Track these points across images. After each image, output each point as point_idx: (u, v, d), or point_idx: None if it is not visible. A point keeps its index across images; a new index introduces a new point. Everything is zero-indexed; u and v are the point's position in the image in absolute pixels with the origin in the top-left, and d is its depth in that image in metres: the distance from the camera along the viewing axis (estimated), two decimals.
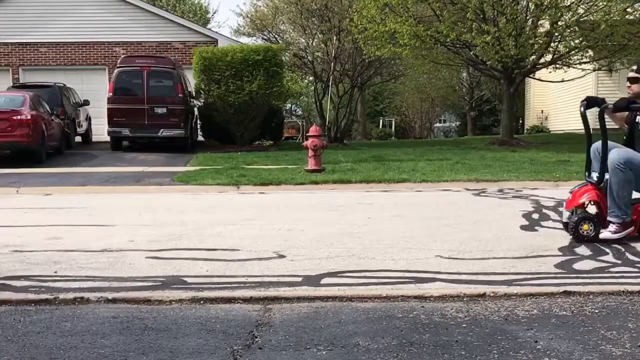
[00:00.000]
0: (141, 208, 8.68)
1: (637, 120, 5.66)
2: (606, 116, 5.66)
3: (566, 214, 5.78)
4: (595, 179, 5.66)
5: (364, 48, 20.53)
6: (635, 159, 5.54)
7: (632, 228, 5.58)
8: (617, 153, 5.53)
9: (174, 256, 5.27)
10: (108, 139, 18.77)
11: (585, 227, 5.55)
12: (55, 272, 4.73)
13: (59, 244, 5.86)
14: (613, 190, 5.49)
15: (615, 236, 5.50)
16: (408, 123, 44.61)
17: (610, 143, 5.61)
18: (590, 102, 5.70)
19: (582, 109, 5.75)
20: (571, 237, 5.61)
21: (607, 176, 5.55)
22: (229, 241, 5.89)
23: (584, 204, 5.71)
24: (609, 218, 5.55)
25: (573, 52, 18.57)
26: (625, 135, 5.86)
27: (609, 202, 5.55)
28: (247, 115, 18.82)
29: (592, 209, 5.76)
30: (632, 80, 5.76)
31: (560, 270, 4.64)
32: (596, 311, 3.63)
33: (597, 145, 5.69)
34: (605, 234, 5.52)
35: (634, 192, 5.70)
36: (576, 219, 5.59)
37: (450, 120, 51.13)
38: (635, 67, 5.85)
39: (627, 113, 5.71)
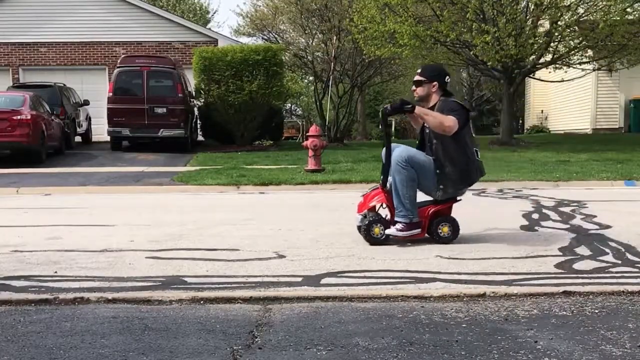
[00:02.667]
0: (141, 208, 8.68)
1: (425, 124, 5.64)
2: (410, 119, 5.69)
3: (359, 217, 5.73)
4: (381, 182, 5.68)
5: (363, 48, 20.51)
6: (417, 157, 5.54)
7: (419, 230, 5.58)
8: (399, 151, 5.53)
9: (174, 256, 5.27)
10: (108, 139, 18.78)
11: (377, 230, 5.55)
12: (55, 272, 4.73)
13: (58, 244, 5.86)
14: (398, 190, 5.49)
15: (401, 234, 5.50)
16: (408, 123, 44.58)
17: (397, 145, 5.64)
18: (394, 107, 5.60)
19: (384, 113, 5.70)
20: (366, 241, 5.58)
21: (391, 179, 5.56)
22: (229, 241, 5.89)
23: (374, 207, 5.70)
24: (395, 217, 5.55)
25: (573, 52, 18.56)
26: (417, 139, 5.88)
27: (395, 202, 5.53)
28: (247, 115, 18.82)
29: (383, 212, 5.74)
30: (417, 84, 5.71)
31: (560, 270, 4.63)
32: (596, 311, 3.63)
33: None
34: (391, 230, 5.51)
35: (424, 196, 5.72)
36: (367, 222, 5.57)
37: None
38: (419, 71, 5.82)
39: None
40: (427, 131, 5.64)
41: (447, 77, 5.77)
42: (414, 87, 5.78)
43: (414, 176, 5.48)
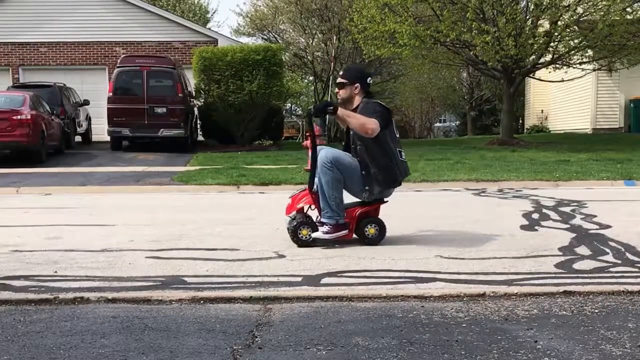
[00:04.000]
0: (141, 208, 8.68)
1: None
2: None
3: (287, 219, 5.71)
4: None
5: (363, 48, 20.52)
6: (343, 158, 5.53)
7: (346, 231, 5.56)
8: (325, 153, 5.51)
9: (173, 256, 5.27)
10: (108, 138, 18.78)
11: (304, 232, 5.53)
12: (55, 271, 4.73)
13: (58, 244, 5.86)
14: (324, 191, 5.46)
15: (327, 237, 5.47)
16: (408, 123, 44.63)
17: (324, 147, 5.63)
18: (317, 109, 5.58)
19: (308, 115, 5.69)
20: (294, 242, 5.55)
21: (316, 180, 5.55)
22: (229, 241, 5.89)
23: (302, 208, 5.69)
24: (322, 219, 5.53)
25: (573, 52, 18.57)
26: (344, 141, 5.87)
27: (321, 203, 5.52)
28: (247, 115, 18.82)
29: (312, 214, 5.72)
30: (340, 86, 5.70)
31: (560, 270, 4.63)
32: (596, 311, 3.63)
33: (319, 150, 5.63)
34: (317, 233, 5.49)
35: (351, 197, 5.70)
36: (295, 224, 5.55)
37: (450, 120, 51.14)
38: (341, 73, 5.82)
39: None
40: (352, 133, 5.62)
41: (369, 78, 5.76)
42: (336, 89, 5.78)
43: (339, 177, 5.46)
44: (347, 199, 5.73)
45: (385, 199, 5.82)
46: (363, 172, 5.52)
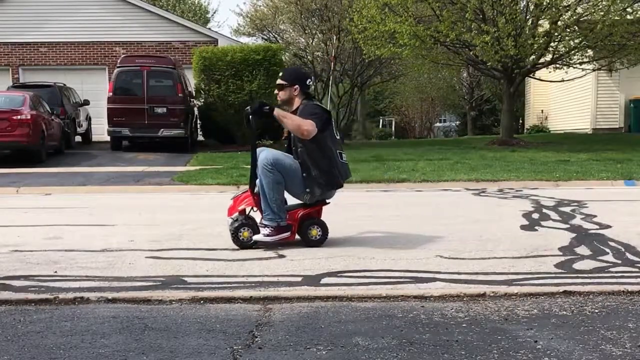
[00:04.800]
0: (141, 208, 8.68)
1: None
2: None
3: (229, 221, 5.66)
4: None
5: (363, 48, 20.51)
6: (283, 160, 5.50)
7: (289, 233, 5.53)
8: (265, 155, 5.48)
9: (173, 256, 5.27)
10: (108, 138, 18.77)
11: (245, 234, 5.49)
12: (55, 271, 4.73)
13: (58, 244, 5.86)
14: (265, 193, 5.43)
15: (268, 239, 5.43)
16: (408, 123, 44.59)
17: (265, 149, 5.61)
18: (253, 110, 5.51)
19: (246, 116, 5.61)
20: (236, 245, 5.51)
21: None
22: (229, 241, 5.88)
23: (244, 210, 5.65)
24: (263, 221, 5.49)
25: (573, 52, 18.56)
26: (286, 143, 5.84)
27: (263, 205, 5.48)
28: None
29: (255, 215, 5.67)
30: (279, 87, 5.67)
31: (560, 270, 4.63)
32: (596, 311, 3.63)
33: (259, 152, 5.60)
34: (258, 236, 5.45)
35: (294, 200, 5.67)
36: (236, 225, 5.52)
37: (450, 120, 51.11)
38: (280, 74, 5.78)
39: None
40: (292, 135, 5.59)
41: (309, 80, 5.73)
42: (276, 91, 5.75)
43: (280, 180, 5.43)
44: (291, 201, 5.70)
45: (328, 200, 5.78)
46: (304, 175, 5.48)
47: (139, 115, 17.76)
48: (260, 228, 5.51)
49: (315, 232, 5.60)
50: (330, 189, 5.66)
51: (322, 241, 5.61)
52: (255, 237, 5.48)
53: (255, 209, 5.65)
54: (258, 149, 5.61)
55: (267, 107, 5.42)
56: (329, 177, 5.54)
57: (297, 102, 5.62)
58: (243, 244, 5.50)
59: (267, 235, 5.45)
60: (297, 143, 5.54)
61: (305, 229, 5.61)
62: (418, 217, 7.47)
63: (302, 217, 5.64)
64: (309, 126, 5.33)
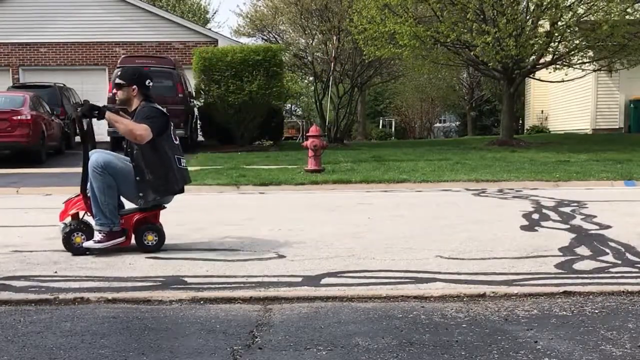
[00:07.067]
0: None
1: None
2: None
3: (61, 225, 5.48)
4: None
5: (363, 48, 20.50)
6: (115, 163, 5.36)
7: (124, 238, 5.41)
8: (96, 157, 5.35)
9: (173, 256, 5.27)
10: (108, 139, 18.77)
11: (78, 239, 5.32)
12: (55, 272, 4.73)
13: (58, 244, 5.85)
14: (97, 196, 5.28)
15: (99, 245, 5.27)
16: (408, 123, 44.59)
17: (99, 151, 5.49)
18: (83, 113, 5.45)
19: (77, 117, 5.56)
20: (68, 251, 5.34)
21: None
22: (229, 241, 5.89)
23: (77, 214, 5.50)
24: (95, 226, 5.34)
25: (573, 52, 18.56)
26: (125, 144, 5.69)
27: (94, 210, 5.32)
28: (247, 115, 18.81)
29: (88, 219, 5.52)
30: (117, 87, 5.54)
31: (560, 270, 4.63)
32: (596, 311, 3.63)
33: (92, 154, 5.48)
34: (89, 243, 5.29)
35: (129, 203, 5.56)
36: (67, 230, 5.34)
37: (450, 120, 51.10)
38: (119, 73, 5.65)
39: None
40: None
41: (148, 81, 5.53)
42: (114, 90, 5.63)
43: (111, 183, 5.30)
44: (128, 205, 5.57)
45: (165, 205, 5.64)
46: (137, 178, 5.32)
47: None
48: (95, 233, 5.35)
49: (151, 237, 5.44)
50: (166, 194, 5.48)
51: (158, 247, 5.43)
52: (86, 244, 5.29)
53: (88, 213, 5.46)
54: (90, 151, 5.45)
55: (97, 111, 5.30)
56: (164, 182, 5.37)
57: (135, 102, 5.47)
58: (76, 251, 5.30)
59: (99, 242, 5.29)
60: (133, 145, 5.37)
61: (140, 234, 5.44)
62: (418, 217, 7.47)
63: (138, 222, 5.46)
64: (142, 131, 5.19)
